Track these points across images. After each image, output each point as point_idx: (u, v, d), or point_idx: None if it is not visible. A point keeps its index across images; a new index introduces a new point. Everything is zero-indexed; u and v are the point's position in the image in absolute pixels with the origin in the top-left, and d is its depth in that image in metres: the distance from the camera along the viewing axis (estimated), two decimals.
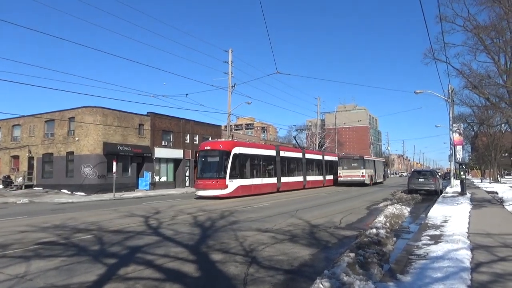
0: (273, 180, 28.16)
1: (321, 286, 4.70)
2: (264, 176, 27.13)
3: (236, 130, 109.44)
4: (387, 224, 10.31)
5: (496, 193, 23.74)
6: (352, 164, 38.27)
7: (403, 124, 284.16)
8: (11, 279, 5.72)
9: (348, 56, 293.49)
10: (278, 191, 28.45)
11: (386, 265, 6.37)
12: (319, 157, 39.39)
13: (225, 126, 39.40)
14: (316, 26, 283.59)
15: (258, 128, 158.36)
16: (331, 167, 41.48)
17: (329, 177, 40.43)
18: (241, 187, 23.67)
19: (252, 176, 25.39)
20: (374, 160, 44.95)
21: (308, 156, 35.67)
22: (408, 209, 15.50)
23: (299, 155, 34.00)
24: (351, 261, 5.91)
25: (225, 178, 22.56)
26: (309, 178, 34.93)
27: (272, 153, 28.77)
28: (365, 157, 40.79)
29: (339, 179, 38.15)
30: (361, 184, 37.10)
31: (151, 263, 6.64)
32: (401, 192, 24.91)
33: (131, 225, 11.48)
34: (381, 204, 17.45)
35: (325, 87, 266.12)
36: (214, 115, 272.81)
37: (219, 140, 26.06)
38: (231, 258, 6.96)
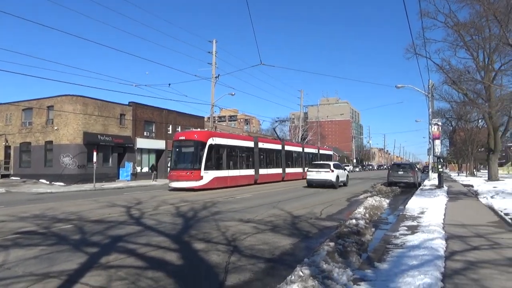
0: (251, 172, 27.60)
1: (301, 273, 4.81)
2: (241, 168, 26.58)
3: (219, 121, 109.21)
4: (367, 215, 10.54)
5: (472, 186, 24.45)
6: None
7: (384, 118, 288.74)
8: None
9: (332, 50, 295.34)
10: (255, 183, 27.91)
11: (364, 254, 6.56)
12: (299, 149, 38.93)
13: (208, 118, 39.22)
14: (301, 19, 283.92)
15: (241, 120, 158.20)
16: (312, 160, 41.03)
17: (292, 170, 39.97)
18: (216, 179, 23.05)
19: (228, 168, 24.76)
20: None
21: (287, 148, 35.06)
22: (387, 201, 15.86)
23: (278, 147, 33.38)
24: (331, 250, 6.05)
25: (199, 169, 21.90)
26: (288, 170, 34.38)
27: (250, 144, 28.22)
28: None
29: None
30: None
31: (133, 252, 6.64)
32: (381, 185, 25.39)
33: (112, 215, 11.41)
34: (361, 196, 17.78)
35: (309, 80, 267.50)
36: (197, 106, 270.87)
37: (194, 130, 24.49)
38: (213, 247, 7.02)
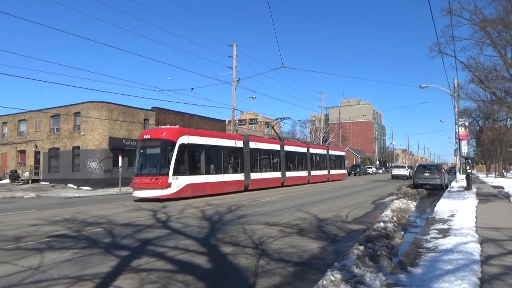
0: (239, 176, 23.29)
1: (332, 277, 4.76)
2: (226, 172, 22.26)
3: (240, 125, 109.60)
4: (394, 218, 10.36)
5: (502, 187, 23.67)
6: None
7: (407, 119, 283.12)
8: (25, 270, 5.82)
9: (353, 51, 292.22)
10: (246, 189, 23.94)
11: (395, 258, 6.43)
12: (303, 150, 33.71)
13: (229, 121, 39.43)
14: (321, 20, 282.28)
15: (262, 123, 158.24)
16: (321, 162, 37.25)
17: (317, 172, 35.62)
18: (191, 186, 18.81)
19: (208, 172, 20.57)
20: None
21: (288, 148, 30.54)
22: (414, 203, 15.53)
23: (276, 147, 28.80)
24: (361, 254, 5.96)
25: (167, 174, 17.71)
26: (289, 174, 30.09)
27: (238, 144, 23.60)
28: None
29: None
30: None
31: (162, 255, 6.72)
32: (407, 187, 24.91)
33: (140, 219, 11.60)
34: (387, 199, 17.48)
35: (330, 81, 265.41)
36: (219, 109, 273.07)
37: (162, 127, 20.60)
38: (241, 251, 7.03)
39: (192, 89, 37.81)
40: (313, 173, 34.64)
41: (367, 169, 72.41)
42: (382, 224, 8.78)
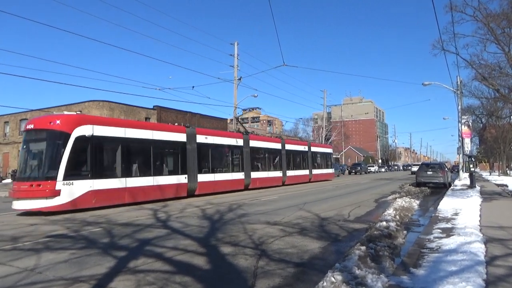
0: (180, 178, 18.01)
1: (333, 279, 4.63)
2: (157, 174, 16.84)
3: (242, 123, 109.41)
4: (397, 217, 10.21)
5: (506, 186, 23.50)
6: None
7: (410, 117, 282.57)
8: (20, 272, 5.73)
9: (355, 48, 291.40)
10: (190, 195, 18.70)
11: (397, 258, 6.30)
12: (276, 146, 28.08)
13: (231, 119, 39.32)
14: (323, 18, 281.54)
15: (264, 121, 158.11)
16: (301, 160, 31.90)
17: (295, 172, 30.26)
18: (95, 194, 13.96)
19: (127, 174, 15.38)
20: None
21: (255, 144, 24.93)
22: (417, 202, 15.38)
23: (239, 142, 23.27)
24: (362, 254, 5.83)
25: (54, 178, 12.92)
26: (257, 174, 24.70)
27: (178, 137, 18.18)
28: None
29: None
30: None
31: (161, 256, 6.62)
32: (409, 185, 24.75)
33: (140, 218, 11.51)
34: (390, 197, 17.32)
35: (332, 79, 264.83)
36: (220, 108, 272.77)
37: (55, 113, 14.78)
38: (241, 251, 6.92)
39: (193, 87, 37.81)
40: (290, 173, 29.34)
41: (369, 168, 71.61)
42: (384, 223, 8.65)
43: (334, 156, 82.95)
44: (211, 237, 8.36)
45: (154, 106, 34.89)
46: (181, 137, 18.51)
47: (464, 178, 30.26)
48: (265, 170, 26.11)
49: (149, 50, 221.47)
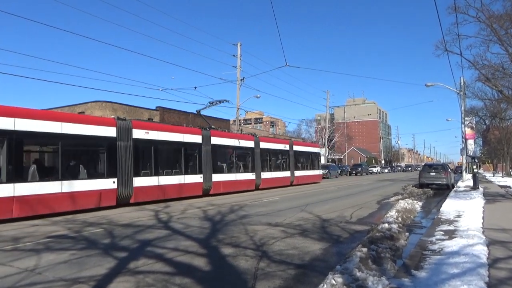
0: (106, 183, 14.22)
1: (334, 281, 4.60)
2: (71, 177, 13.17)
3: (245, 124, 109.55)
4: (399, 218, 10.16)
5: (510, 187, 23.36)
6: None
7: (413, 118, 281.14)
8: (20, 272, 5.72)
9: (358, 49, 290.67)
10: (122, 203, 15.00)
11: (399, 260, 6.25)
12: (248, 144, 23.94)
13: (234, 121, 39.32)
14: (325, 19, 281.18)
15: (267, 122, 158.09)
16: (280, 160, 28.13)
17: (272, 174, 26.14)
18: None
19: (16, 179, 11.50)
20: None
21: (218, 141, 20.94)
22: (420, 203, 15.31)
23: (195, 139, 19.24)
24: (364, 256, 5.80)
25: None
26: (220, 177, 20.69)
27: (106, 132, 14.44)
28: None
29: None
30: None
31: (161, 257, 6.60)
32: (412, 187, 24.65)
33: (141, 219, 11.49)
34: (392, 199, 17.26)
35: (335, 80, 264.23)
36: (223, 109, 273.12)
37: None
38: (242, 252, 6.89)
39: (195, 87, 37.62)
40: (266, 175, 25.33)
41: (371, 169, 70.99)
42: (386, 225, 8.60)
43: (337, 157, 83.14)
44: (212, 238, 8.34)
45: (156, 107, 34.89)
46: (110, 132, 14.86)
47: (467, 179, 30.13)
48: (232, 172, 22.01)
49: (151, 51, 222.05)
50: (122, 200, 15.00)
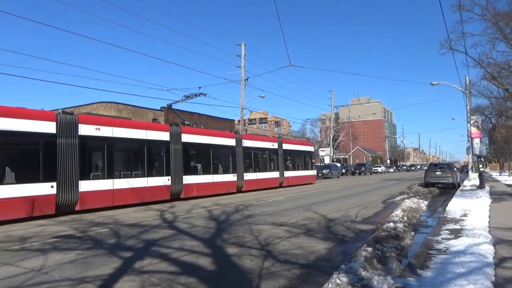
0: (41, 188, 12.21)
1: (338, 281, 4.60)
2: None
3: (249, 124, 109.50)
4: (405, 218, 10.12)
5: None
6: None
7: (418, 117, 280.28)
8: (27, 272, 5.77)
9: (362, 48, 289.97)
10: (64, 211, 12.98)
11: (405, 260, 6.23)
12: (228, 142, 21.69)
13: (239, 120, 39.36)
14: (329, 18, 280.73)
15: (272, 122, 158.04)
16: (267, 160, 25.65)
17: (258, 175, 24.02)
18: None
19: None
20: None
21: (192, 139, 18.77)
22: (426, 202, 15.23)
23: (161, 136, 17.05)
24: (369, 256, 5.78)
25: None
26: (193, 179, 18.41)
27: (42, 128, 12.46)
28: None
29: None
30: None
31: (166, 256, 6.62)
32: (418, 186, 24.54)
33: (146, 219, 11.54)
34: (398, 198, 17.19)
35: (339, 80, 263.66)
36: (227, 109, 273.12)
37: None
38: (247, 252, 6.90)
39: (199, 87, 37.70)
40: (250, 176, 23.02)
41: (376, 168, 70.05)
42: (392, 224, 8.57)
43: (342, 157, 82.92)
44: (217, 238, 8.35)
45: (161, 107, 34.98)
46: (39, 126, 12.79)
47: (473, 179, 29.94)
48: (208, 173, 19.74)
49: (156, 51, 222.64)
50: (64, 207, 12.91)
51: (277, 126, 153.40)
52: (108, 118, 16.35)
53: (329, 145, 63.84)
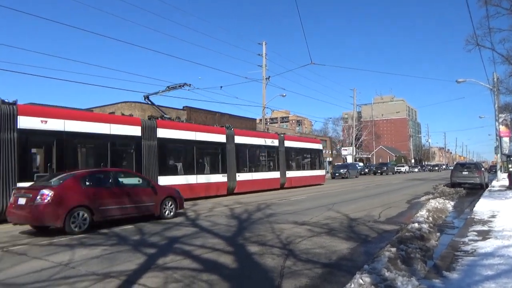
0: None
1: (361, 281, 4.53)
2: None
3: (271, 123, 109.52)
4: (430, 218, 9.89)
5: None
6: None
7: (444, 115, 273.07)
8: (55, 266, 5.95)
9: (385, 46, 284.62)
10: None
11: (430, 261, 6.08)
12: (218, 138, 19.74)
13: (260, 119, 39.39)
14: (351, 15, 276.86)
15: (293, 121, 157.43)
16: (266, 158, 23.79)
17: (253, 176, 22.01)
18: None
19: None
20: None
21: (168, 134, 16.81)
22: (452, 203, 14.83)
23: (131, 131, 15.09)
24: (393, 256, 5.68)
25: None
26: (172, 180, 16.24)
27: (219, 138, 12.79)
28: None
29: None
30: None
31: (188, 254, 6.70)
32: (444, 186, 23.94)
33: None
34: (423, 198, 16.82)
35: (362, 78, 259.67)
36: (249, 108, 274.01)
37: None
38: (268, 250, 6.90)
39: (221, 87, 38.04)
40: (243, 176, 21.01)
41: (399, 168, 67.88)
42: (416, 224, 8.40)
43: (364, 156, 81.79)
44: (239, 236, 8.39)
45: (183, 106, 35.42)
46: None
47: (502, 179, 28.95)
48: (191, 173, 17.64)
49: (178, 51, 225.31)
50: None
51: (299, 125, 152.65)
52: (59, 109, 13.66)
53: (351, 144, 63.13)
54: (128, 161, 15.20)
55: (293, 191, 23.17)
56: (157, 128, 16.16)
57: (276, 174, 23.98)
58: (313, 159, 29.01)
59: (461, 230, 8.38)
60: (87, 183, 9.64)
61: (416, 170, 78.71)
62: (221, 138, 19.86)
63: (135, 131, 15.15)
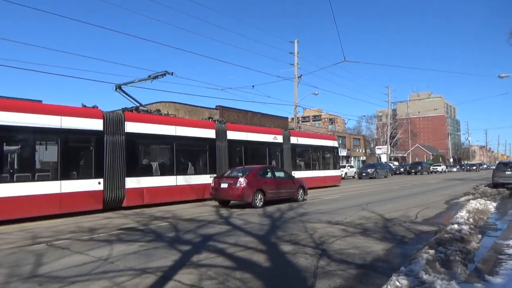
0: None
1: (398, 283, 4.42)
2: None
3: (303, 122, 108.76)
4: (470, 219, 9.49)
5: None
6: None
7: (485, 112, 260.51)
8: (95, 261, 6.19)
9: (421, 41, 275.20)
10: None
11: (471, 264, 5.84)
12: (204, 133, 17.35)
13: (292, 118, 39.21)
14: (385, 11, 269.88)
15: (326, 119, 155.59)
16: (270, 156, 21.30)
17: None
18: None
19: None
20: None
21: (140, 129, 14.69)
22: (494, 204, 14.14)
23: (89, 125, 12.89)
24: (431, 258, 5.50)
25: None
26: (145, 182, 14.42)
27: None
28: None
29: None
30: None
31: (222, 251, 6.78)
32: (485, 186, 22.90)
33: (203, 214, 11.90)
34: (462, 199, 16.17)
35: (396, 75, 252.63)
36: (281, 107, 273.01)
37: None
38: (301, 250, 6.86)
39: (253, 86, 37.95)
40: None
41: (435, 167, 62.98)
42: (456, 226, 8.09)
43: (400, 155, 79.61)
44: (271, 235, 8.40)
45: (216, 106, 35.85)
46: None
47: None
48: (171, 174, 15.54)
49: (211, 51, 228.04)
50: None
51: (332, 123, 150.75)
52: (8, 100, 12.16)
53: (386, 142, 61.65)
54: (87, 160, 13.16)
55: (344, 188, 22.79)
56: (126, 122, 14.04)
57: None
58: (326, 158, 26.54)
59: (505, 232, 8.01)
60: (260, 175, 14.38)
61: (454, 169, 75.54)
62: (209, 133, 17.50)
63: (95, 124, 12.99)
